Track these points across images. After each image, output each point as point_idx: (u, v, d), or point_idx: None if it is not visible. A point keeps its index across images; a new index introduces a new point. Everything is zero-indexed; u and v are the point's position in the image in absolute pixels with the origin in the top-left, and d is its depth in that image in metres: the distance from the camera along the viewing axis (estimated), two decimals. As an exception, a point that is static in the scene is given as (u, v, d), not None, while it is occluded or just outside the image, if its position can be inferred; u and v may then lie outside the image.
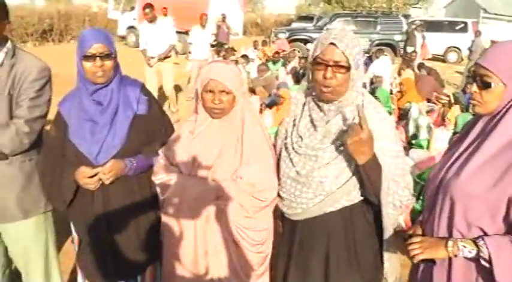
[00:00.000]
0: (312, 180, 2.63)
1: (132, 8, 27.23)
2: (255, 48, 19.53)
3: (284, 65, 16.21)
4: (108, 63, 2.91)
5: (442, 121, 9.72)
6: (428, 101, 11.71)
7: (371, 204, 2.64)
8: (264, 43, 20.94)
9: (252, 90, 11.77)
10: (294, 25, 30.51)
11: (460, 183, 2.27)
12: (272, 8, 64.52)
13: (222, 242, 2.84)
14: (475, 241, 2.22)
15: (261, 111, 9.51)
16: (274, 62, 16.61)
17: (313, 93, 2.67)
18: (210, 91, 2.74)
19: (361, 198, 2.63)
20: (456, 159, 2.40)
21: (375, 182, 2.50)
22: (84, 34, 2.94)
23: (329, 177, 2.59)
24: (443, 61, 26.24)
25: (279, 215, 2.92)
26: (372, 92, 12.68)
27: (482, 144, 2.27)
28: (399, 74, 14.11)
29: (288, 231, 2.86)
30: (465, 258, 2.28)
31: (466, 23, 27.55)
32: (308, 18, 33.27)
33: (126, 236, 3.10)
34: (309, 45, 20.85)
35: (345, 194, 2.61)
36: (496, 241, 2.18)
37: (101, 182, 2.95)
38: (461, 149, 2.40)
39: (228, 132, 2.83)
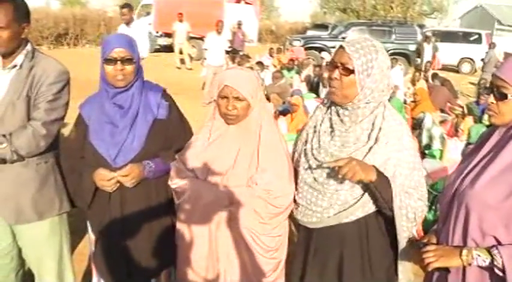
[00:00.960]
0: (327, 189, 2.64)
1: (148, 13, 27.43)
2: (270, 56, 19.58)
3: (298, 72, 16.19)
4: (129, 68, 2.95)
5: (455, 132, 9.67)
6: (442, 111, 11.69)
7: (386, 215, 2.64)
8: (279, 50, 20.98)
9: (267, 97, 11.80)
10: (309, 33, 30.50)
11: (475, 193, 2.28)
12: (287, 15, 64.67)
13: (235, 247, 2.85)
14: (489, 250, 2.23)
15: (275, 118, 9.53)
16: (289, 70, 16.63)
17: None
18: (225, 97, 2.76)
19: (376, 209, 2.64)
20: (471, 170, 2.40)
21: (386, 196, 2.53)
22: (108, 38, 3.00)
23: (345, 187, 2.61)
24: (457, 72, 26.12)
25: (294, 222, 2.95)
26: (386, 102, 12.70)
27: (498, 155, 2.27)
28: (413, 84, 14.08)
29: (303, 239, 2.88)
30: (479, 266, 2.28)
31: (480, 34, 27.59)
32: (323, 26, 33.09)
33: (140, 239, 3.12)
34: (324, 54, 20.84)
35: (361, 206, 2.62)
36: (509, 250, 2.18)
37: (118, 184, 3.00)
38: (476, 159, 2.40)
39: (244, 139, 2.84)
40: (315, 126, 2.82)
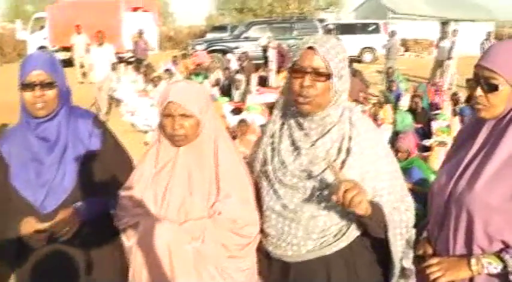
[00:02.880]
0: (301, 216, 2.31)
1: (42, 27, 26.44)
2: (174, 63, 19.15)
3: (206, 77, 15.96)
4: (50, 93, 2.53)
5: (374, 121, 9.72)
6: (355, 101, 11.74)
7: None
8: (184, 56, 20.65)
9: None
10: (209, 36, 30.31)
11: (476, 195, 2.14)
12: (182, 20, 64.59)
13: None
14: (498, 255, 2.11)
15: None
16: (197, 75, 16.39)
17: (292, 108, 2.36)
18: (169, 115, 2.39)
19: (359, 233, 2.35)
20: (465, 170, 2.24)
21: (381, 223, 2.25)
22: (24, 59, 2.56)
23: (322, 211, 2.29)
24: (359, 62, 26.71)
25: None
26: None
27: (494, 151, 2.15)
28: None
29: (278, 274, 2.50)
30: (488, 274, 2.15)
31: (377, 24, 28.60)
32: (222, 28, 33.19)
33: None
34: (229, 55, 20.66)
35: (345, 238, 2.32)
36: None
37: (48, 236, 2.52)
38: (467, 157, 2.24)
39: (199, 162, 2.48)
40: (272, 143, 2.47)
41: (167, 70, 15.71)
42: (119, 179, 2.70)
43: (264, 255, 2.55)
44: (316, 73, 2.18)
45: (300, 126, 2.34)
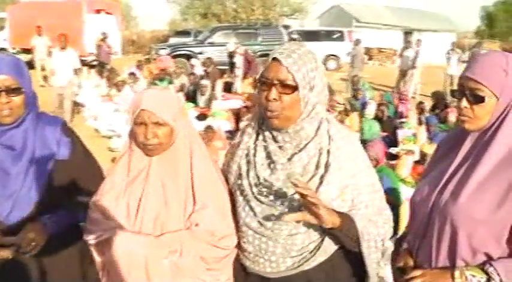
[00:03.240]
0: (279, 234, 2.23)
1: (2, 28, 25.73)
2: (138, 68, 18.90)
3: (171, 82, 15.74)
4: (17, 100, 2.40)
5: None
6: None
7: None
8: (148, 61, 20.41)
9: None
10: (172, 41, 30.17)
11: (460, 208, 2.11)
12: (145, 24, 64.20)
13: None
14: (482, 268, 2.08)
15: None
16: (161, 80, 16.12)
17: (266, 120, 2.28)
18: (142, 123, 2.27)
19: (337, 247, 2.30)
20: (448, 181, 2.21)
21: (353, 236, 2.20)
22: None
23: (300, 229, 2.22)
24: (324, 69, 26.90)
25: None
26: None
27: (479, 163, 2.12)
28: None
29: None
30: None
31: (342, 32, 29.04)
32: (185, 33, 33.12)
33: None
34: (193, 61, 20.48)
35: (323, 252, 2.25)
36: (504, 266, 2.05)
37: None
38: (452, 168, 2.22)
39: (173, 171, 2.36)
40: (247, 156, 2.37)
41: (132, 74, 15.49)
42: (88, 190, 2.56)
43: (241, 267, 2.46)
44: (283, 85, 2.11)
45: (275, 139, 2.26)
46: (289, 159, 2.23)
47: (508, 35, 55.56)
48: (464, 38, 41.93)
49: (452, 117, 11.28)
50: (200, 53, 22.38)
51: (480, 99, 2.07)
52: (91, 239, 2.37)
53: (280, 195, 2.23)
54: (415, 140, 9.13)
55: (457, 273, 2.09)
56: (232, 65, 17.38)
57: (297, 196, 2.14)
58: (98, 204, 2.40)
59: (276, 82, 2.10)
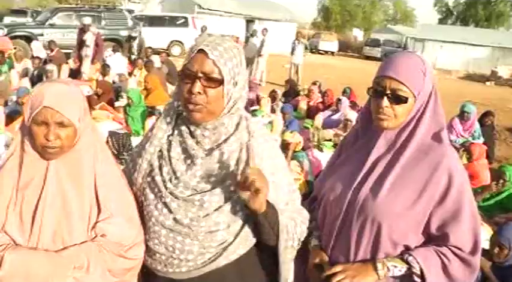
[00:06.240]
0: (197, 231, 2.16)
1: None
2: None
3: (12, 67, 14.53)
4: None
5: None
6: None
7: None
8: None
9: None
10: (7, 20, 28.13)
11: (381, 204, 2.22)
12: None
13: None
14: (402, 258, 2.23)
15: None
16: (1, 64, 15.02)
17: (184, 114, 2.22)
18: (43, 123, 2.05)
19: (255, 240, 2.28)
20: (364, 179, 2.30)
21: (275, 226, 2.19)
22: None
23: (221, 225, 2.17)
24: (168, 55, 26.74)
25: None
26: (117, 93, 12.37)
27: (398, 160, 2.24)
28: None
29: None
30: (393, 277, 2.26)
31: (186, 18, 28.95)
32: (21, 12, 31.13)
33: None
34: (34, 43, 19.29)
35: (241, 243, 2.22)
36: (422, 254, 2.20)
37: None
38: (367, 165, 2.31)
39: (74, 177, 2.15)
40: (160, 151, 2.27)
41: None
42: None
43: (144, 276, 2.40)
44: (208, 78, 2.05)
45: (192, 134, 2.20)
46: (208, 154, 2.18)
47: (342, 27, 59.11)
48: (303, 29, 43.69)
49: (302, 104, 11.81)
50: (41, 35, 21.09)
51: (403, 100, 2.18)
52: None
53: (198, 190, 2.17)
54: (271, 127, 9.31)
55: (379, 265, 2.21)
56: (81, 43, 15.80)
57: (216, 190, 2.14)
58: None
59: (200, 75, 2.04)
